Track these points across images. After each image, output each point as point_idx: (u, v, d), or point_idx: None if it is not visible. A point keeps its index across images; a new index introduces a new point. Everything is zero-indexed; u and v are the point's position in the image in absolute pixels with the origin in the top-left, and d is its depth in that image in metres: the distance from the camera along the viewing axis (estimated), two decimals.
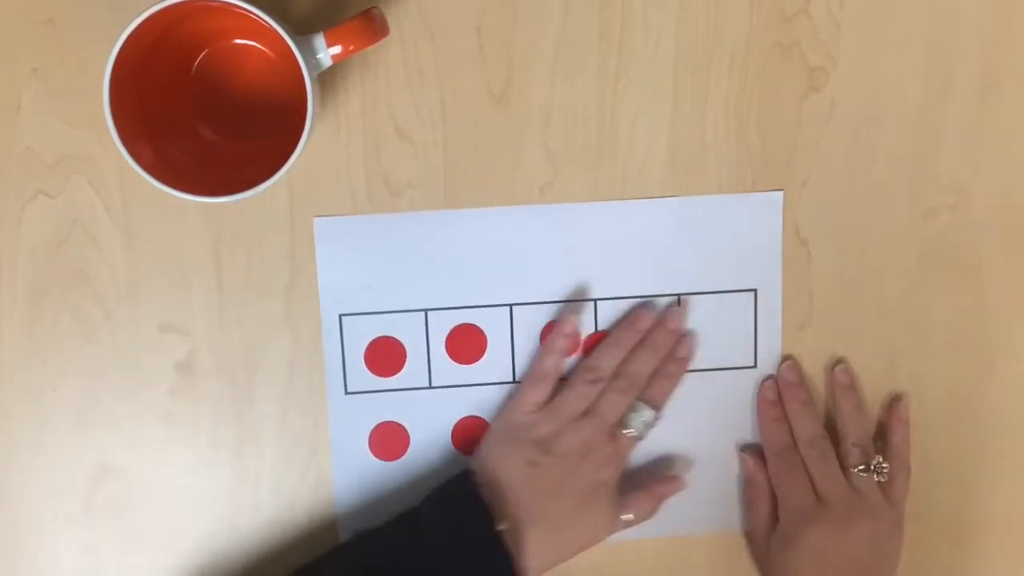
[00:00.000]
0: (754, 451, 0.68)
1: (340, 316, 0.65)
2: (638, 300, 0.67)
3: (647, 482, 0.66)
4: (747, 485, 0.68)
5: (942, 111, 0.66)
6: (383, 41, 0.58)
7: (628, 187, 0.66)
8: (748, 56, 0.65)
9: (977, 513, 0.70)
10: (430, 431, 0.67)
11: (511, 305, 0.66)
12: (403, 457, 0.67)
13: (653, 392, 0.66)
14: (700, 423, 0.68)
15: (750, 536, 0.69)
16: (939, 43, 0.66)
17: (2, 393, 0.65)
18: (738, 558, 0.70)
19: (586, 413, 0.64)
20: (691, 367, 0.67)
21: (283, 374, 0.66)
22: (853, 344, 0.68)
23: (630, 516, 0.65)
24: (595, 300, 0.66)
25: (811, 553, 0.63)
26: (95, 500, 0.66)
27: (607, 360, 0.65)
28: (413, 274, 0.65)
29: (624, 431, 0.64)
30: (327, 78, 0.62)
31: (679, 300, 0.67)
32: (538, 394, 0.65)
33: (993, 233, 0.68)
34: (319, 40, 0.56)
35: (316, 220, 0.64)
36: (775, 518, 0.66)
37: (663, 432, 0.67)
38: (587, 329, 0.67)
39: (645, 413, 0.65)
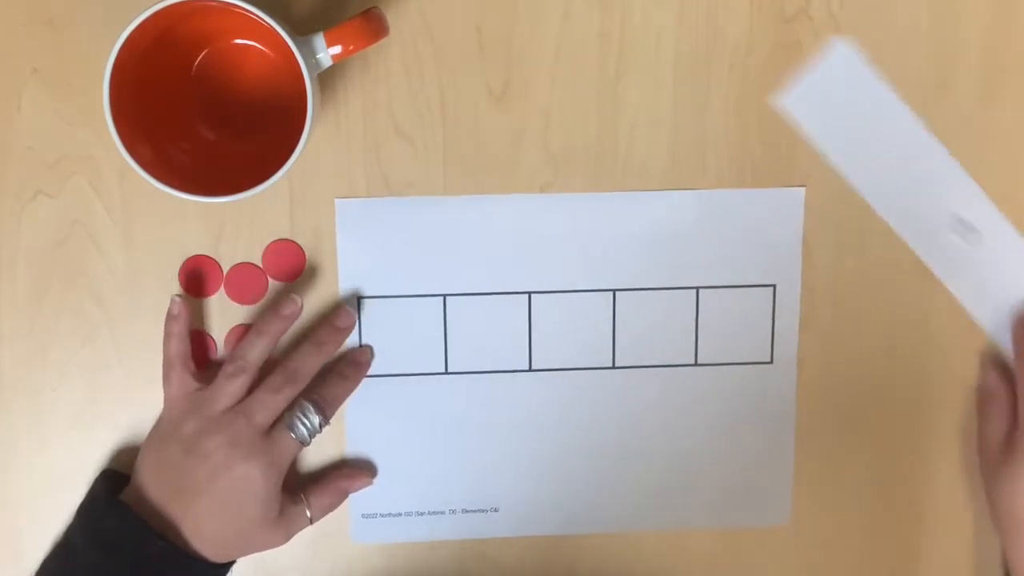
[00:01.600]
0: (999, 365, 0.67)
1: (359, 299, 0.65)
2: (656, 292, 0.66)
3: (329, 476, 0.65)
4: (986, 398, 0.67)
5: (942, 111, 0.66)
6: (383, 41, 0.58)
7: (628, 187, 0.65)
8: (748, 56, 0.65)
9: (977, 512, 0.70)
10: (444, 416, 0.67)
11: (529, 293, 0.66)
12: (416, 440, 0.67)
13: (324, 394, 0.62)
14: (712, 418, 0.68)
15: (983, 454, 0.67)
16: (939, 43, 0.66)
17: (2, 393, 0.65)
18: (743, 554, 0.70)
19: (233, 409, 0.60)
20: (688, 364, 0.67)
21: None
22: (853, 344, 0.68)
23: (307, 514, 0.63)
24: (613, 291, 0.66)
25: None
26: None
27: (251, 351, 0.61)
28: (433, 259, 0.65)
29: (290, 433, 0.61)
30: (327, 78, 0.62)
31: (697, 292, 0.67)
32: (173, 386, 0.62)
33: None
34: (319, 40, 0.56)
35: (338, 201, 0.64)
36: (1009, 435, 0.65)
37: (673, 425, 0.67)
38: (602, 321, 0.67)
39: (311, 418, 0.61)
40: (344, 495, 0.65)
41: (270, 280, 0.65)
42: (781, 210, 0.66)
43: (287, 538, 0.63)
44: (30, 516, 0.66)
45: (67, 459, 0.65)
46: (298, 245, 0.65)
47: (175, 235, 0.64)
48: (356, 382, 0.65)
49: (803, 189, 0.66)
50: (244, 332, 0.64)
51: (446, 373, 0.66)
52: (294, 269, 0.65)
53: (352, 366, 0.65)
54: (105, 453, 0.65)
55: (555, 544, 0.69)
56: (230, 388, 0.60)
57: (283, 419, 0.61)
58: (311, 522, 0.64)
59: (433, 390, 0.66)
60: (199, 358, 0.64)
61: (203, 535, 0.60)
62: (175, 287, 0.64)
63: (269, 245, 0.64)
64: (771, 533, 0.70)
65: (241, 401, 0.61)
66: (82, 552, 0.60)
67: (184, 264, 0.64)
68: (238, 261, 0.64)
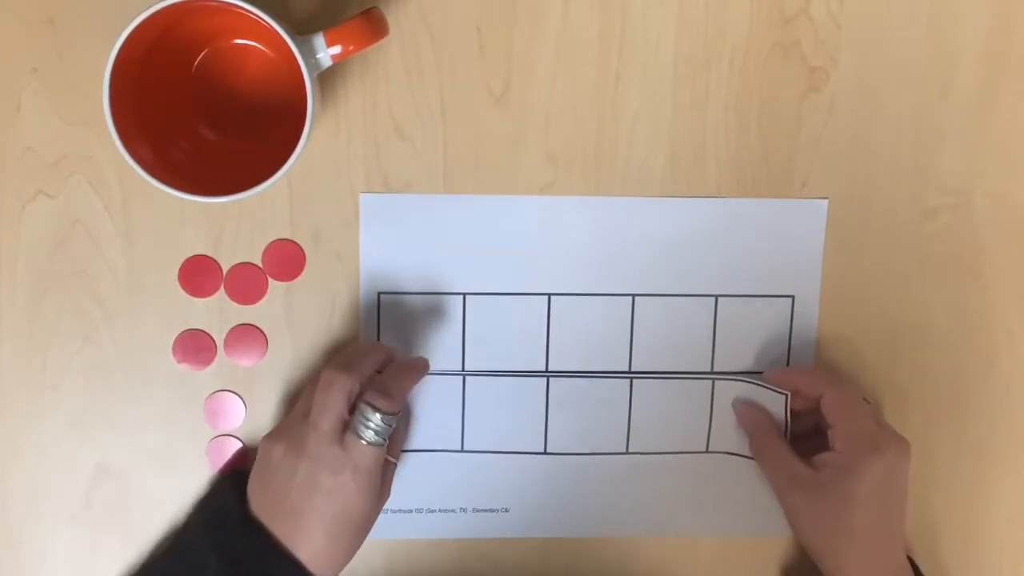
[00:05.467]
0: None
1: (379, 294, 0.65)
2: (675, 298, 0.66)
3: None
4: (764, 431, 0.65)
5: (942, 111, 0.66)
6: (383, 41, 0.58)
7: (628, 187, 0.66)
8: (748, 56, 0.65)
9: (977, 512, 0.70)
10: (460, 416, 0.67)
11: (549, 295, 0.66)
12: (430, 437, 0.67)
13: (390, 387, 0.59)
14: (726, 427, 0.68)
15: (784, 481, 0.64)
16: (939, 43, 0.66)
17: (2, 393, 0.65)
18: (745, 560, 0.70)
19: (305, 422, 0.59)
20: (722, 370, 0.67)
21: (281, 369, 0.66)
22: (853, 344, 0.68)
23: (391, 459, 0.60)
24: (632, 296, 0.66)
25: (878, 480, 0.61)
26: (95, 500, 0.66)
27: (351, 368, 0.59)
28: (454, 257, 0.65)
29: (360, 439, 0.58)
30: (327, 78, 0.62)
31: (716, 300, 0.67)
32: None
33: (993, 233, 0.68)
34: (319, 40, 0.57)
35: (362, 196, 0.64)
36: (797, 458, 0.63)
37: (687, 431, 0.67)
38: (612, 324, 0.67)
39: (372, 417, 0.57)
40: (415, 377, 0.63)
41: (270, 280, 0.65)
42: (802, 221, 0.66)
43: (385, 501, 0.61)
44: (30, 516, 0.66)
45: (67, 459, 0.65)
46: (298, 245, 0.65)
47: (175, 235, 0.64)
48: (421, 374, 0.64)
49: (825, 201, 0.66)
50: (244, 332, 0.64)
51: (462, 372, 0.67)
52: (294, 269, 0.65)
53: (415, 363, 0.64)
54: (105, 453, 0.65)
55: (555, 544, 0.69)
56: (306, 387, 0.63)
57: (349, 427, 0.58)
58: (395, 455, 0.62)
59: (448, 388, 0.66)
60: (199, 358, 0.65)
61: (318, 552, 0.58)
62: (175, 287, 0.64)
63: (269, 245, 0.64)
64: (777, 541, 0.70)
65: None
66: (212, 567, 0.59)
67: (184, 264, 0.64)
68: (238, 261, 0.64)
